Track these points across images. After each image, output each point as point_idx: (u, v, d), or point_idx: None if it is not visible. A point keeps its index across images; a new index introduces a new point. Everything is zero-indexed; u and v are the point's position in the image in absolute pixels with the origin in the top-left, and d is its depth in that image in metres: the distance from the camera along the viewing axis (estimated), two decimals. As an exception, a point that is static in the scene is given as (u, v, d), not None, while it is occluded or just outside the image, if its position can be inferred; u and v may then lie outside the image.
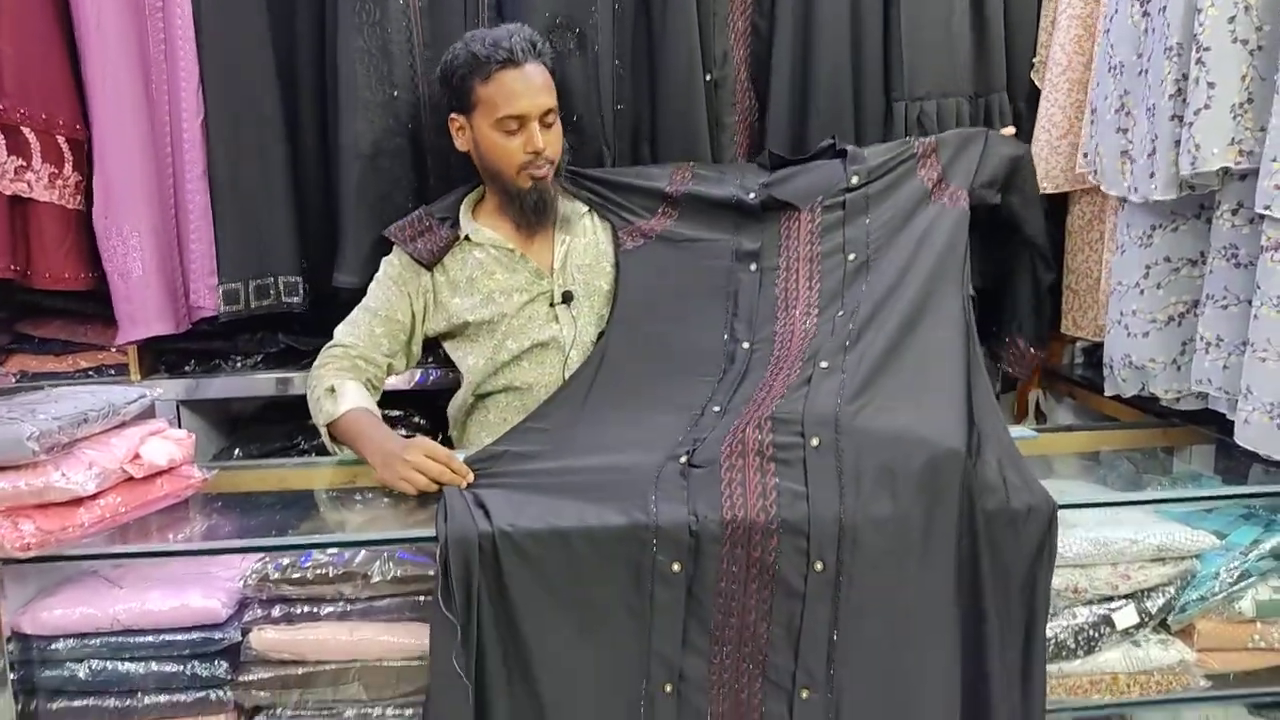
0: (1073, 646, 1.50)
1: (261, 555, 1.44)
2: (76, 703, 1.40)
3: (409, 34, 1.95)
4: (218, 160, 1.96)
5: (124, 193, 1.88)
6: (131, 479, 1.44)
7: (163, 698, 1.40)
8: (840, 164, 1.88)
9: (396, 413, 2.07)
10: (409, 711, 1.43)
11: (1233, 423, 1.55)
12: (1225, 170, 1.53)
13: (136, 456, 1.45)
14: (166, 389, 2.02)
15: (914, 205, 1.81)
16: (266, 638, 1.42)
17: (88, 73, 1.85)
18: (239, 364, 2.13)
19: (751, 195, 1.86)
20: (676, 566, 1.35)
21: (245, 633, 1.42)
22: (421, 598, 1.42)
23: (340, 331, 1.84)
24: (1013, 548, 1.40)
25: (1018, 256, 1.99)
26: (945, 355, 1.59)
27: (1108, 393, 1.89)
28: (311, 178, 2.04)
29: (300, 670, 1.42)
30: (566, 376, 1.79)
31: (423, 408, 2.14)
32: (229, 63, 1.93)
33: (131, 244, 1.89)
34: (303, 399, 1.81)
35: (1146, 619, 1.51)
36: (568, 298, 1.86)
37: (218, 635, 1.40)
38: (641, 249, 1.88)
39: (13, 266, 1.84)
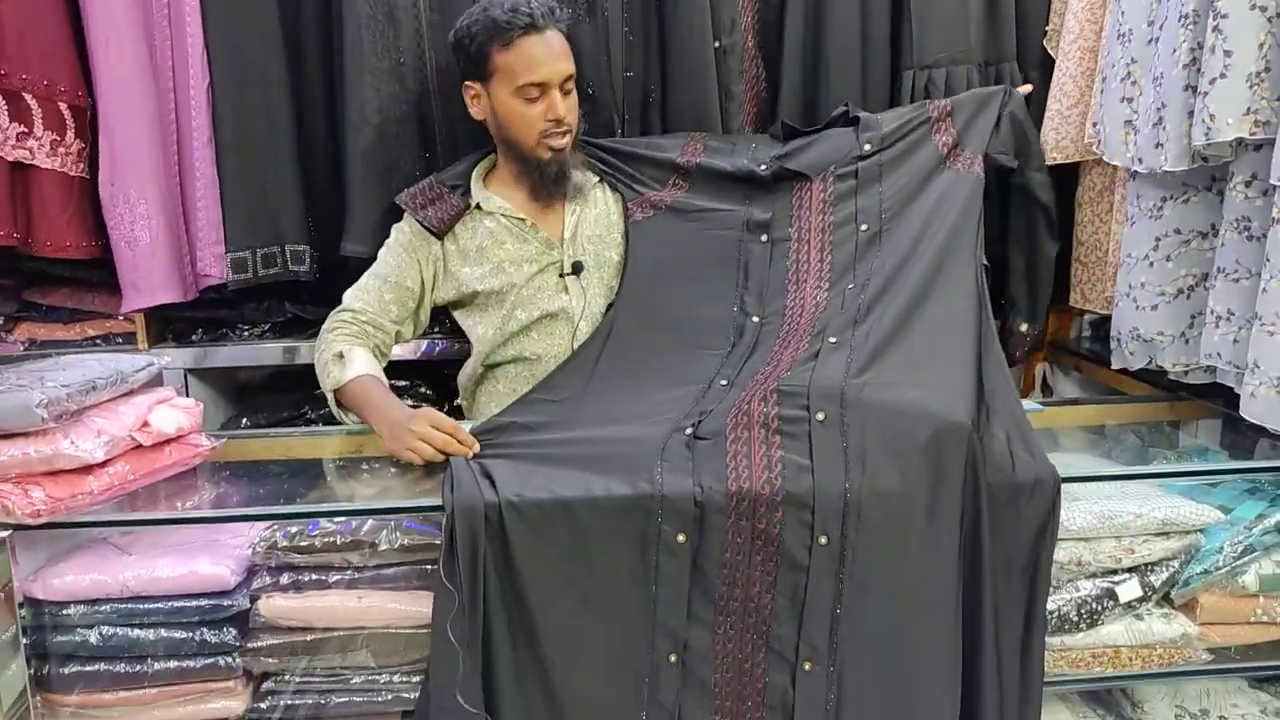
0: (1075, 619, 1.50)
1: (270, 523, 1.45)
2: (88, 667, 1.41)
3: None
4: (224, 127, 1.94)
5: (130, 160, 1.87)
6: (140, 447, 1.45)
7: (172, 663, 1.42)
8: (853, 132, 1.86)
9: (403, 383, 2.08)
10: (416, 678, 1.44)
11: (1239, 397, 1.54)
12: (1239, 141, 1.51)
13: (145, 424, 1.45)
14: (174, 357, 2.03)
15: (928, 172, 1.79)
16: (275, 605, 1.43)
17: (91, 38, 1.83)
18: (246, 333, 2.13)
19: (763, 168, 1.84)
20: (681, 537, 1.35)
21: (254, 600, 1.44)
22: (428, 566, 1.43)
23: (349, 296, 1.83)
24: (1015, 521, 1.40)
25: (1020, 226, 1.95)
26: (956, 327, 1.58)
27: (1114, 366, 1.88)
28: (319, 146, 2.03)
29: (308, 637, 1.44)
30: (576, 347, 1.79)
31: (429, 378, 2.14)
32: (234, 28, 1.91)
33: (139, 211, 1.89)
34: (310, 369, 1.81)
35: (1150, 592, 1.52)
36: (577, 268, 1.85)
37: (226, 602, 1.41)
38: (651, 220, 1.86)
39: (14, 234, 1.83)
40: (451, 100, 1.89)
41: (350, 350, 1.72)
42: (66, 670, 1.41)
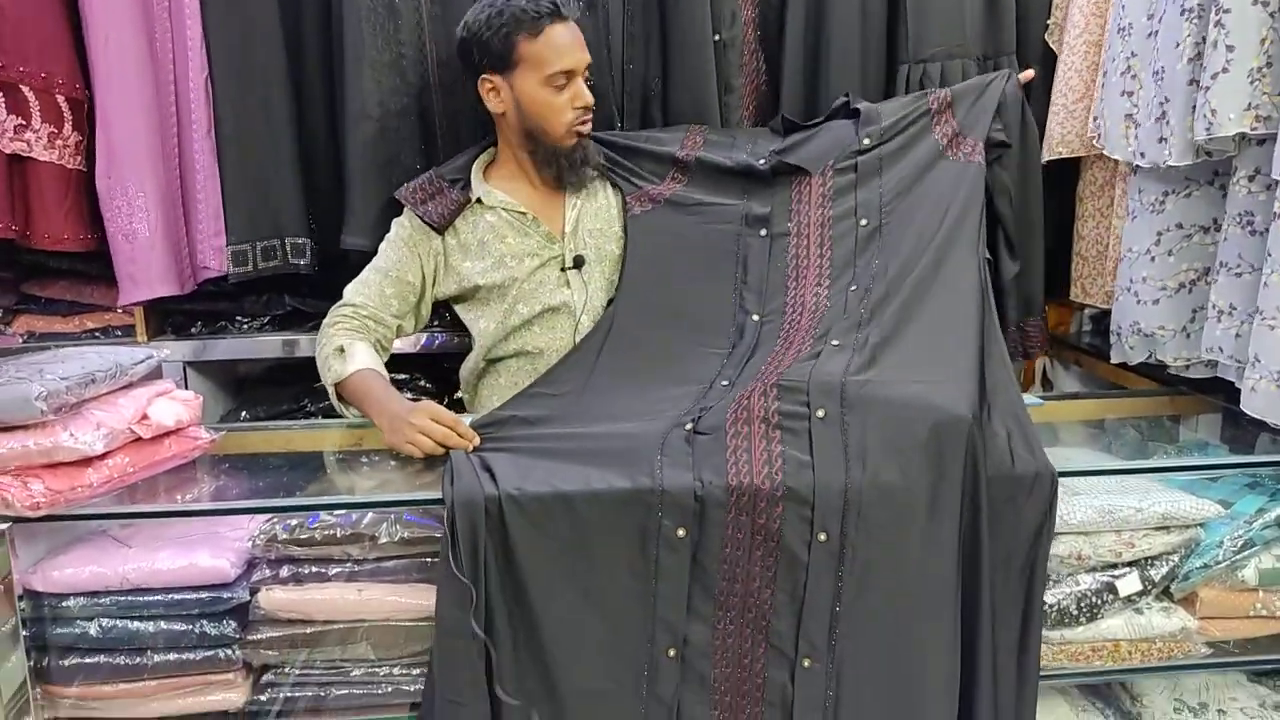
0: (1075, 613, 1.50)
1: (269, 516, 1.45)
2: (87, 660, 1.41)
3: (415, -9, 1.93)
4: (225, 121, 1.94)
5: (128, 153, 1.86)
6: (139, 439, 1.44)
7: (172, 655, 1.41)
8: (852, 125, 1.85)
9: (403, 376, 2.08)
10: (416, 670, 1.44)
11: (1240, 391, 1.54)
12: (1242, 136, 1.51)
13: (144, 417, 1.45)
14: (173, 350, 2.03)
15: (928, 164, 1.78)
16: (275, 597, 1.43)
17: (89, 32, 1.82)
18: (246, 326, 2.13)
19: (762, 162, 1.84)
20: (681, 532, 1.35)
21: (253, 592, 1.43)
22: (429, 559, 1.43)
23: (350, 291, 1.83)
24: (1015, 518, 1.40)
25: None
26: (958, 325, 1.57)
27: (1114, 360, 1.88)
28: (319, 139, 2.02)
29: (308, 630, 1.44)
30: (578, 342, 1.79)
31: (429, 371, 2.14)
32: (234, 21, 1.91)
33: (137, 205, 1.88)
34: (309, 362, 1.81)
35: (1150, 586, 1.52)
36: (579, 262, 1.84)
37: (226, 595, 1.41)
38: (650, 214, 1.86)
39: (13, 227, 1.83)
40: (452, 94, 1.88)
41: (351, 344, 1.72)
42: (66, 662, 1.41)
